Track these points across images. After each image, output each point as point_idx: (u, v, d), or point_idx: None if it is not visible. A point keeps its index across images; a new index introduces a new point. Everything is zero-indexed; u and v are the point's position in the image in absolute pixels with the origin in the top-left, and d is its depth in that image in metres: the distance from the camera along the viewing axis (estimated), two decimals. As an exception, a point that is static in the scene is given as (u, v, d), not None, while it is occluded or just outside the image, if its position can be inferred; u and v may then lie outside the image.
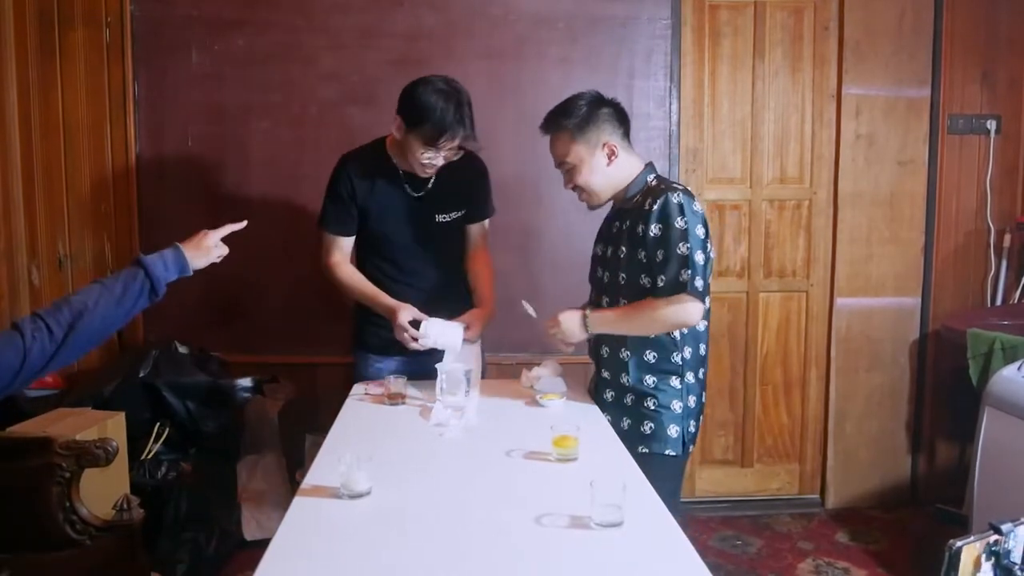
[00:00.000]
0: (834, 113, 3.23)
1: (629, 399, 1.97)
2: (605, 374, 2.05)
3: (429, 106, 2.08)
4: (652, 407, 1.94)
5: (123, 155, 3.05)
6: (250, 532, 2.85)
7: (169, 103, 3.05)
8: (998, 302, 3.29)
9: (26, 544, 1.45)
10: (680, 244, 1.82)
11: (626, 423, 1.98)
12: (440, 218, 2.31)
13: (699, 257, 1.83)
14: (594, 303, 2.11)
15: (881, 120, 3.23)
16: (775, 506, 3.36)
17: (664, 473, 1.91)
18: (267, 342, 3.14)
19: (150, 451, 2.59)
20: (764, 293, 3.32)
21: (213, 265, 3.14)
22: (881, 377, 3.33)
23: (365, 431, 1.94)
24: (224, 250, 1.75)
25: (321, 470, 1.61)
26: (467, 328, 2.17)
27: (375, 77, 3.06)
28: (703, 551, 1.29)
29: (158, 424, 2.63)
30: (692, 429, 1.98)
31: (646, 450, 1.92)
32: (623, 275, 1.95)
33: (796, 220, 3.30)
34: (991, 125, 3.25)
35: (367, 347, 2.39)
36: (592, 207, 2.06)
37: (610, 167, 1.96)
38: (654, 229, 1.86)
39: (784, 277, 3.32)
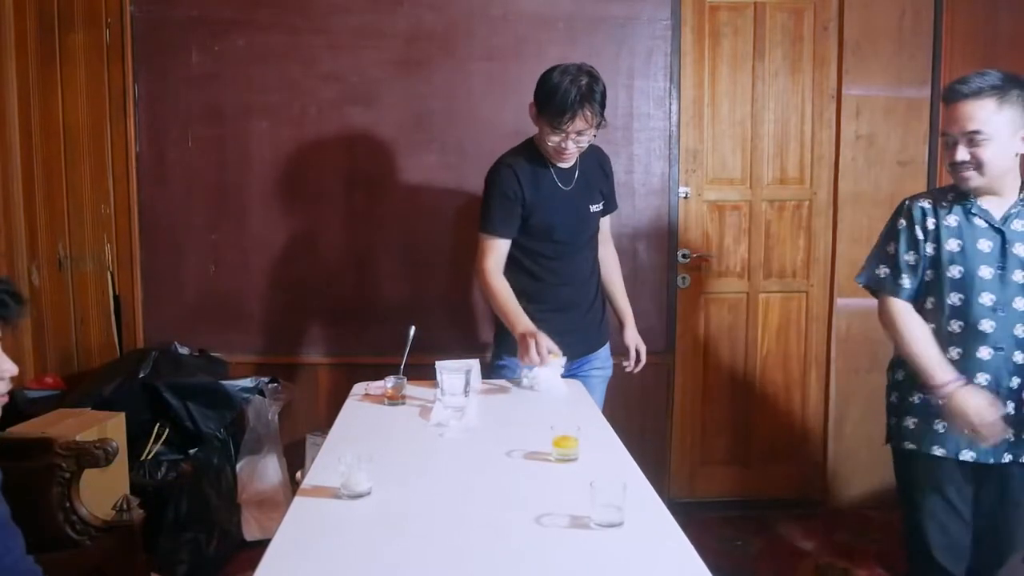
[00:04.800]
0: (834, 113, 3.23)
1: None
2: (1015, 383, 1.90)
3: (553, 87, 2.13)
4: None
5: (123, 156, 3.05)
6: (250, 532, 2.86)
7: (169, 103, 3.05)
8: (998, 302, 3.28)
9: (26, 544, 1.45)
10: None
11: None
12: (593, 208, 2.38)
13: None
14: (959, 304, 1.92)
15: (881, 120, 3.23)
16: (775, 506, 3.35)
17: None
18: (267, 343, 3.14)
19: (150, 451, 2.59)
20: (764, 294, 3.32)
21: (214, 266, 3.17)
22: (881, 377, 3.30)
23: (365, 431, 1.94)
24: None
25: (321, 470, 1.61)
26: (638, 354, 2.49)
27: (375, 77, 3.06)
28: (703, 551, 1.29)
29: (158, 424, 2.64)
30: None
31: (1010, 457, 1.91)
32: None
33: (796, 220, 3.30)
34: (991, 125, 3.25)
35: (508, 349, 2.36)
36: (967, 186, 1.90)
37: (1017, 156, 1.85)
38: None
39: (784, 278, 3.32)
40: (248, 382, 2.81)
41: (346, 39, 3.05)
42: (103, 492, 2.01)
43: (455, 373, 2.06)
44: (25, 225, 2.97)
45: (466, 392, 2.05)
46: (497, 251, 2.28)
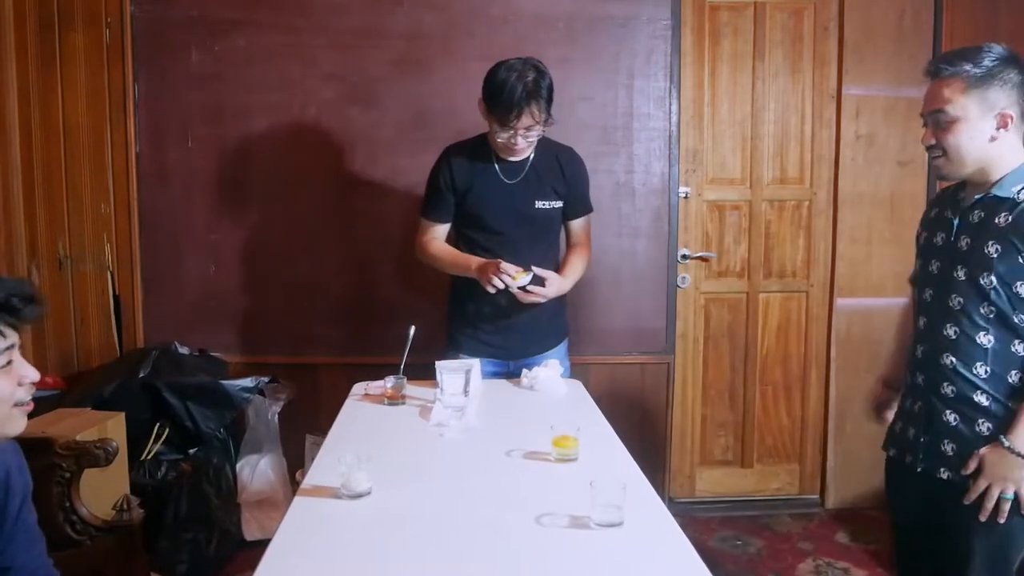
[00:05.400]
0: (834, 113, 3.23)
1: (985, 426, 1.63)
2: (947, 390, 1.68)
3: (500, 84, 2.13)
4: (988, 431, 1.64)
5: (123, 155, 3.05)
6: (250, 532, 2.86)
7: (169, 103, 3.05)
8: (998, 302, 3.28)
9: (26, 544, 1.46)
10: None
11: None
12: (539, 204, 2.35)
13: None
14: (917, 300, 1.79)
15: (881, 120, 3.23)
16: (775, 506, 3.36)
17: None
18: (267, 343, 3.14)
19: (150, 451, 2.59)
20: (764, 293, 3.32)
21: (214, 266, 3.17)
22: (881, 377, 3.33)
23: (365, 431, 1.94)
24: None
25: (321, 470, 1.61)
26: (544, 282, 2.23)
27: (375, 77, 3.06)
28: (703, 551, 1.29)
29: (158, 424, 2.63)
30: None
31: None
32: (991, 279, 1.60)
33: (796, 220, 3.30)
34: (991, 125, 3.25)
35: (460, 348, 2.42)
36: (942, 176, 1.73)
37: (993, 141, 1.62)
38: None
39: (784, 277, 3.32)
40: (248, 382, 2.81)
41: (346, 39, 3.05)
42: (103, 492, 2.01)
43: (455, 373, 2.07)
44: (25, 225, 2.96)
45: (466, 392, 2.05)
46: (431, 232, 2.41)
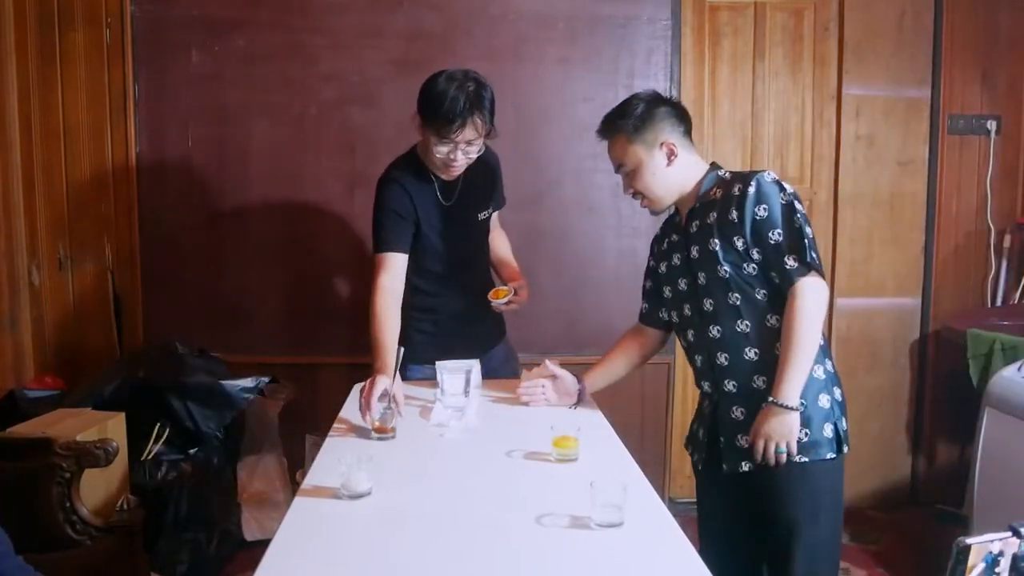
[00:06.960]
0: (834, 113, 3.23)
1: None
2: (730, 386, 1.80)
3: (440, 94, 2.00)
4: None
5: (123, 155, 3.05)
6: (250, 532, 2.85)
7: (169, 103, 3.05)
8: (998, 302, 3.29)
9: (26, 544, 1.45)
10: (794, 216, 1.69)
11: None
12: (482, 215, 2.32)
13: (809, 231, 1.70)
14: (678, 320, 1.93)
15: (881, 120, 3.23)
16: (775, 506, 3.35)
17: (828, 483, 1.84)
18: (267, 343, 3.14)
19: (150, 451, 2.59)
20: (764, 293, 3.32)
21: (214, 266, 3.17)
22: (881, 378, 3.33)
23: (365, 431, 1.93)
24: None
25: (321, 470, 1.61)
26: (516, 292, 2.24)
27: (375, 77, 3.06)
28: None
29: (158, 424, 2.63)
30: (845, 426, 1.82)
31: (805, 459, 1.73)
32: (725, 269, 1.74)
33: (796, 220, 3.30)
34: (991, 125, 3.25)
35: (412, 355, 2.27)
36: (654, 212, 1.93)
37: (670, 168, 1.82)
38: (760, 211, 1.69)
39: (784, 277, 3.32)
40: (248, 382, 2.80)
41: (346, 39, 3.05)
42: (103, 492, 2.01)
43: (455, 373, 2.06)
44: (25, 225, 2.97)
45: (466, 392, 2.05)
46: (393, 266, 2.15)
